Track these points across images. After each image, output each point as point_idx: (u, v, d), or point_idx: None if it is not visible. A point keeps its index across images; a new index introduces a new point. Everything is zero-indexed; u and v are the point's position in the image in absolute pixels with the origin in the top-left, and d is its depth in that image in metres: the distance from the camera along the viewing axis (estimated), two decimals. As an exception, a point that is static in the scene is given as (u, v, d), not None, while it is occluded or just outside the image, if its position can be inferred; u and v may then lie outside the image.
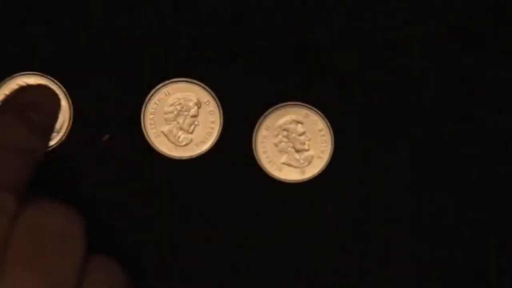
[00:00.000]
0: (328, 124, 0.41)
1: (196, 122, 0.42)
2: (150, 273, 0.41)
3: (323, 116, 0.41)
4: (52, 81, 0.41)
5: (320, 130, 0.41)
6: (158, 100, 0.42)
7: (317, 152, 0.41)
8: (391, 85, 0.42)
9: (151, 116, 0.42)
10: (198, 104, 0.42)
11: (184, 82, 0.42)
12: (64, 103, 0.41)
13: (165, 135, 0.42)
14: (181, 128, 0.42)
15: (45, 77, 0.41)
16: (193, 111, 0.42)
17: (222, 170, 0.42)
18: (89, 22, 0.42)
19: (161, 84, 0.41)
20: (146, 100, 0.41)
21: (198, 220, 0.41)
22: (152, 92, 0.41)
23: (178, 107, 0.42)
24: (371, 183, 0.41)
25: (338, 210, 0.41)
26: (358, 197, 0.41)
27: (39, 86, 0.36)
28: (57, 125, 0.41)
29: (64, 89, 0.41)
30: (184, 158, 0.42)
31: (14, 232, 0.30)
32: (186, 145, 0.42)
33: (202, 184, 0.42)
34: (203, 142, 0.42)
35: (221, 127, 0.42)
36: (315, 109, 0.41)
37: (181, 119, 0.42)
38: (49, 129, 0.35)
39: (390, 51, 0.42)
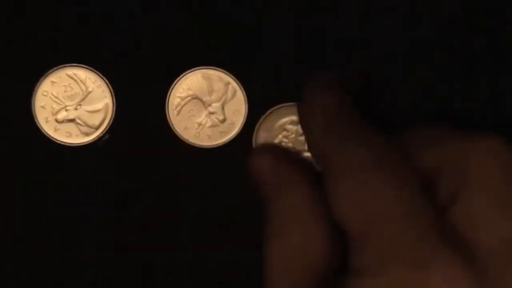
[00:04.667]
0: (328, 124, 0.41)
1: (196, 122, 0.42)
2: (150, 272, 0.42)
3: (323, 116, 0.41)
4: (99, 75, 0.41)
5: (320, 130, 0.41)
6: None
7: (317, 152, 0.41)
8: (391, 85, 0.42)
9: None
10: (198, 104, 0.42)
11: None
12: (108, 101, 0.41)
13: (165, 135, 0.42)
14: (181, 128, 0.42)
15: (93, 71, 0.41)
16: (193, 111, 0.42)
17: (222, 170, 0.42)
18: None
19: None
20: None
21: (198, 220, 0.41)
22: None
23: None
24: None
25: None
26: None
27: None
28: (97, 122, 0.41)
29: (110, 87, 0.41)
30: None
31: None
32: (186, 144, 0.42)
33: (201, 184, 0.42)
34: (203, 142, 0.42)
35: (221, 126, 0.42)
36: (315, 109, 0.41)
37: (181, 119, 0.42)
38: None
39: (390, 51, 0.42)
